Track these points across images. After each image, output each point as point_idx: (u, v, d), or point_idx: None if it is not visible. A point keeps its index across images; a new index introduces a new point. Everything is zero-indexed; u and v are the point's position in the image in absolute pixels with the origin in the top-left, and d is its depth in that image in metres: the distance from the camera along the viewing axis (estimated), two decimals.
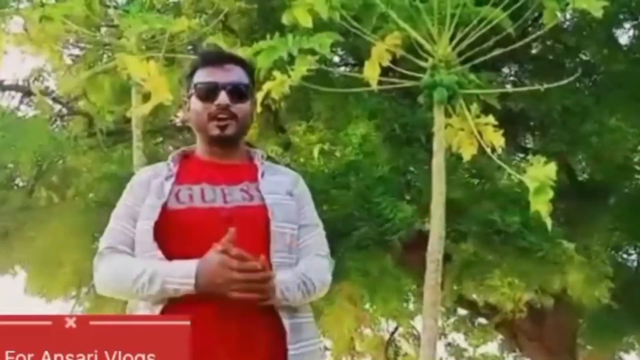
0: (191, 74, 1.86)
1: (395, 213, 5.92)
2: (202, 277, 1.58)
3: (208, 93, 1.79)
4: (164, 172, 1.80)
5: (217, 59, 1.88)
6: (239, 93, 1.81)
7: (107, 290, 1.74)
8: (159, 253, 1.66)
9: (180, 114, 8.27)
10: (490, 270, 7.23)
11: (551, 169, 3.46)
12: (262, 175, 1.81)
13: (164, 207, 1.70)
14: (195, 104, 1.82)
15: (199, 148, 1.87)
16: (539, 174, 3.48)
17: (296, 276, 1.70)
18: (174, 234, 1.68)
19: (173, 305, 1.63)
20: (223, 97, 1.78)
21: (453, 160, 5.02)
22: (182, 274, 1.60)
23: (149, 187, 1.77)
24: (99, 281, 1.75)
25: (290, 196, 1.79)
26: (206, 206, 1.71)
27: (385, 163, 6.20)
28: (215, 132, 1.78)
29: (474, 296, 9.48)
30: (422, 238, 5.38)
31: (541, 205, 3.47)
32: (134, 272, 1.64)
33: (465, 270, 7.39)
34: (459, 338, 12.72)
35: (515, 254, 6.40)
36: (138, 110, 4.79)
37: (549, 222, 3.49)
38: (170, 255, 1.66)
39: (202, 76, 1.83)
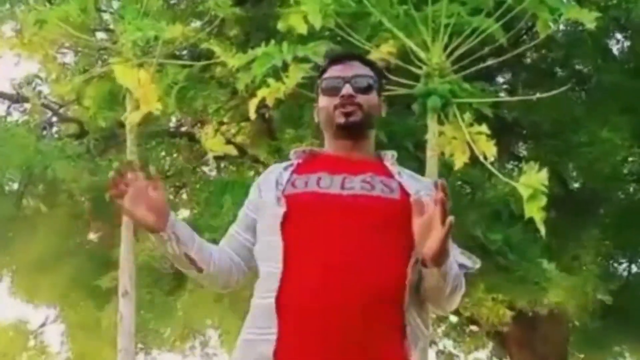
0: (319, 77, 1.90)
1: None
2: None
3: (333, 87, 1.82)
4: (282, 165, 1.84)
5: (342, 57, 1.92)
6: (363, 85, 1.82)
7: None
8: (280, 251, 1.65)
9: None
10: (475, 284, 7.23)
11: (543, 175, 3.48)
12: (399, 173, 1.80)
13: (279, 195, 1.72)
14: (322, 100, 1.84)
15: (327, 147, 1.88)
16: (532, 181, 3.50)
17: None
18: (287, 219, 1.68)
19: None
20: (347, 89, 1.79)
21: (445, 169, 5.04)
22: None
23: (259, 187, 1.82)
24: None
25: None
26: (320, 191, 1.71)
27: None
28: (341, 119, 1.78)
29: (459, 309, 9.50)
30: None
31: (535, 212, 3.49)
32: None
33: None
34: (449, 345, 12.72)
35: (495, 271, 6.40)
36: (129, 117, 4.80)
37: (542, 229, 3.50)
38: (285, 241, 1.65)
39: (328, 74, 1.86)
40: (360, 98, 1.80)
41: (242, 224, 1.84)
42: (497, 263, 6.22)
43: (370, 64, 1.91)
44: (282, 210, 1.69)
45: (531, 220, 3.59)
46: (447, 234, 1.51)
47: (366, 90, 1.82)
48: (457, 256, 1.72)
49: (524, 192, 3.51)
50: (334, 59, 1.90)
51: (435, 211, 1.52)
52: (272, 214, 1.70)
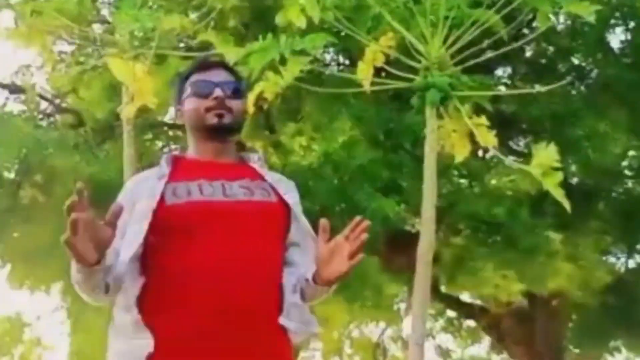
0: (185, 78, 1.90)
1: (369, 203, 5.86)
2: None
3: (204, 90, 1.84)
4: (154, 174, 1.80)
5: (210, 64, 1.95)
6: (233, 90, 1.85)
7: (89, 299, 1.71)
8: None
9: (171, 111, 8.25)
10: (483, 263, 7.25)
11: (552, 150, 3.49)
12: (270, 175, 1.85)
13: (160, 205, 1.69)
14: (191, 102, 1.85)
15: (192, 149, 1.88)
16: (542, 159, 3.50)
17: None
18: (175, 229, 1.67)
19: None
20: (218, 92, 1.82)
21: (443, 162, 5.03)
22: None
23: (134, 194, 1.76)
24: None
25: (296, 196, 1.87)
26: (205, 199, 1.72)
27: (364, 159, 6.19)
28: (213, 120, 1.81)
29: (467, 293, 9.49)
30: (411, 239, 5.37)
31: (553, 187, 3.50)
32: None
33: (458, 266, 7.40)
34: (447, 340, 12.75)
35: (503, 244, 6.43)
36: (124, 110, 4.77)
37: (566, 203, 3.49)
38: (173, 252, 1.65)
39: (195, 77, 1.88)
40: (231, 103, 1.83)
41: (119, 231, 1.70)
42: (502, 234, 6.26)
43: (233, 71, 1.95)
44: (146, 228, 1.65)
45: (533, 209, 3.58)
46: (353, 267, 1.62)
47: (235, 95, 1.85)
48: None
49: (538, 172, 3.51)
50: (200, 66, 1.93)
51: (344, 244, 1.62)
52: (140, 232, 1.66)
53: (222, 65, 1.96)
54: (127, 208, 1.64)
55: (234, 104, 1.84)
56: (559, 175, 3.49)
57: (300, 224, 1.80)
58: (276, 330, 1.68)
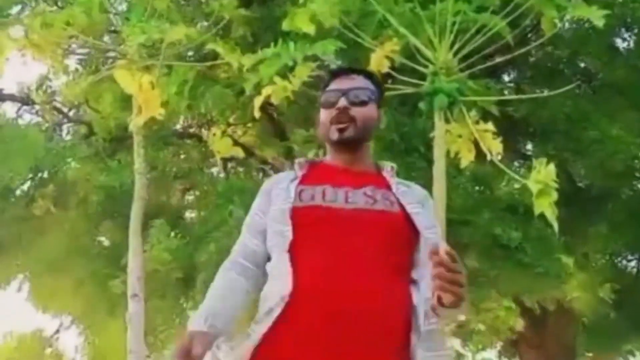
0: (324, 88, 1.92)
1: None
2: None
3: (330, 100, 1.85)
4: (289, 177, 1.86)
5: (343, 71, 1.94)
6: (359, 98, 1.84)
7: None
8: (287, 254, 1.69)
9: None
10: (488, 291, 7.19)
11: (552, 170, 3.48)
12: (397, 185, 1.84)
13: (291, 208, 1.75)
14: (321, 114, 1.88)
15: (328, 156, 1.92)
16: (541, 177, 3.50)
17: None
18: (295, 232, 1.71)
19: None
20: (342, 102, 1.82)
21: (453, 168, 5.04)
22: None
23: (270, 195, 1.83)
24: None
25: (422, 207, 1.81)
26: (325, 205, 1.73)
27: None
28: (335, 135, 1.83)
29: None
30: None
31: (546, 207, 3.49)
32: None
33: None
34: (457, 344, 12.68)
35: (514, 269, 6.37)
36: (133, 121, 4.82)
37: (555, 224, 3.49)
38: (291, 253, 1.69)
39: (331, 86, 1.90)
40: (355, 111, 1.82)
41: (253, 230, 1.85)
42: (518, 260, 6.21)
43: (371, 77, 1.94)
44: (288, 228, 1.71)
45: (542, 217, 3.58)
46: (459, 299, 1.51)
47: (362, 103, 1.84)
48: None
49: (534, 188, 3.50)
50: (335, 73, 1.93)
51: (445, 276, 1.49)
52: (279, 231, 1.73)
53: (356, 70, 1.94)
54: (264, 207, 1.81)
55: (359, 112, 1.83)
56: (554, 195, 3.48)
57: (426, 237, 1.72)
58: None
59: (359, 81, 1.88)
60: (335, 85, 1.87)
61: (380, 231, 1.70)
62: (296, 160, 1.92)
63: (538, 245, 6.15)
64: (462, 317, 1.69)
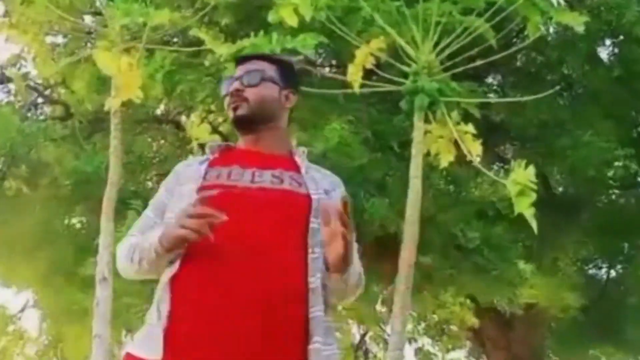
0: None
1: (365, 204, 5.85)
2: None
3: (228, 87, 1.89)
4: (200, 159, 1.87)
5: (243, 58, 1.97)
6: (252, 78, 1.87)
7: (124, 271, 1.82)
8: None
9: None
10: (446, 287, 7.25)
11: (531, 172, 3.50)
12: (306, 170, 1.83)
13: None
14: (224, 100, 1.91)
15: (238, 142, 1.93)
16: (520, 178, 3.52)
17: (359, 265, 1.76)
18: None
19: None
20: (235, 85, 1.86)
21: (428, 168, 5.05)
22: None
23: (179, 176, 1.84)
24: (118, 265, 1.84)
25: (326, 195, 1.79)
26: (228, 183, 1.75)
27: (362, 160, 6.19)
28: (230, 113, 1.87)
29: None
30: (396, 241, 5.39)
31: (525, 208, 3.50)
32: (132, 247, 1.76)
33: (423, 284, 7.36)
34: (428, 343, 12.79)
35: (471, 270, 6.41)
36: (108, 103, 4.75)
37: (534, 224, 3.50)
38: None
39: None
40: (249, 92, 1.85)
41: (154, 208, 1.85)
42: (474, 262, 6.25)
43: (273, 60, 1.96)
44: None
45: (514, 221, 3.60)
46: (346, 248, 1.59)
47: (257, 84, 1.86)
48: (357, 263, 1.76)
49: (513, 189, 3.51)
50: (238, 60, 1.96)
51: (336, 225, 1.57)
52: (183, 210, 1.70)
53: (259, 57, 1.98)
54: (170, 191, 1.81)
55: (253, 92, 1.85)
56: (533, 196, 3.50)
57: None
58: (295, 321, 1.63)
59: (256, 64, 1.90)
60: (235, 72, 1.91)
61: (284, 208, 1.72)
62: (208, 144, 1.93)
63: (498, 250, 6.21)
64: (354, 277, 1.74)
